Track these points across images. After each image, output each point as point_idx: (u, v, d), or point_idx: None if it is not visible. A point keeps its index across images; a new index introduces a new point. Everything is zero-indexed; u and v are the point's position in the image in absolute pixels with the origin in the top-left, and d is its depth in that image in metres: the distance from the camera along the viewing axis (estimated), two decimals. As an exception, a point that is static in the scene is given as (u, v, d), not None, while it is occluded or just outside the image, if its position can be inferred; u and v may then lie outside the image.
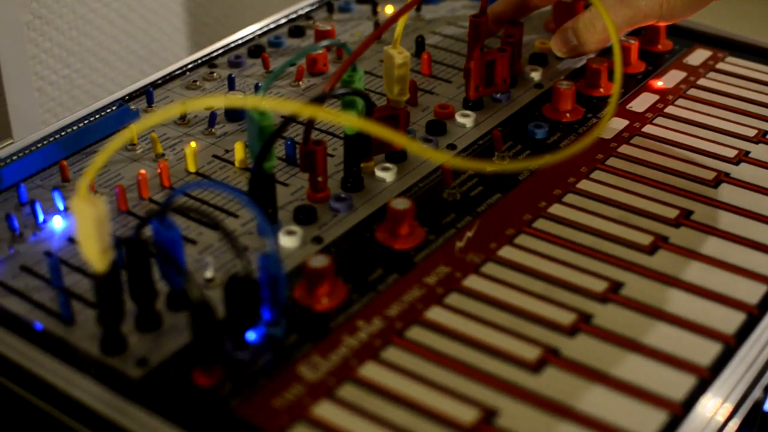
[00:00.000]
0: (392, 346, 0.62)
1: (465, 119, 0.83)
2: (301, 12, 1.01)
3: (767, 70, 0.92)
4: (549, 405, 0.58)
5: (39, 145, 0.77)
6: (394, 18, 0.73)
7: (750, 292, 0.66)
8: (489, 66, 0.83)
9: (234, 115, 0.83)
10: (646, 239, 0.70)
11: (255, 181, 0.68)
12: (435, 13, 1.01)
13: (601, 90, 0.87)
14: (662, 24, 0.91)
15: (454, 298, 0.65)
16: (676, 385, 0.60)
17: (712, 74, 0.91)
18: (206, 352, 0.59)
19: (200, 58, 0.92)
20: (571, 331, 0.63)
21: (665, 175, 0.77)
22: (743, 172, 0.78)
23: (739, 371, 0.61)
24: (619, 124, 0.83)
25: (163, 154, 0.79)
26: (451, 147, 0.80)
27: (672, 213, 0.73)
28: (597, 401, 0.58)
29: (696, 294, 0.66)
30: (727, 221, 0.73)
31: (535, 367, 0.60)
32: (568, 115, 0.84)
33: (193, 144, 0.78)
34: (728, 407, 0.59)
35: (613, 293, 0.66)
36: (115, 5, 1.29)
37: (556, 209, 0.73)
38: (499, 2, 0.91)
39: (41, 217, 0.72)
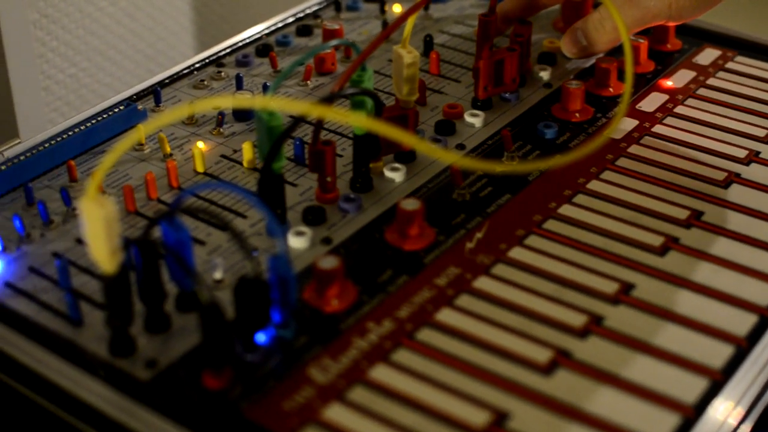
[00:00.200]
0: (402, 348, 0.61)
1: (474, 119, 0.82)
2: (308, 11, 1.00)
3: (777, 70, 0.91)
4: (560, 407, 0.58)
5: (46, 144, 0.77)
6: (404, 17, 0.72)
7: (762, 294, 0.66)
8: (498, 65, 0.83)
9: (242, 114, 0.83)
10: (656, 240, 0.70)
11: (264, 182, 0.68)
12: (443, 11, 1.01)
13: (611, 89, 0.87)
14: (671, 24, 0.91)
15: (464, 300, 0.65)
16: (688, 387, 0.59)
17: (721, 74, 0.90)
18: (216, 354, 0.58)
19: (208, 58, 0.92)
20: (582, 333, 0.63)
21: (675, 176, 0.77)
22: (754, 172, 0.77)
23: (751, 374, 0.61)
24: (629, 124, 0.82)
25: (171, 154, 0.79)
26: (460, 147, 0.80)
27: (683, 214, 0.73)
28: (609, 404, 0.58)
29: (707, 295, 0.66)
30: (738, 222, 0.72)
31: (547, 370, 0.60)
32: (577, 114, 0.83)
33: (201, 144, 0.78)
34: (740, 411, 0.59)
35: (624, 295, 0.65)
36: (122, 4, 1.29)
37: (566, 210, 0.73)
38: (507, 1, 0.90)
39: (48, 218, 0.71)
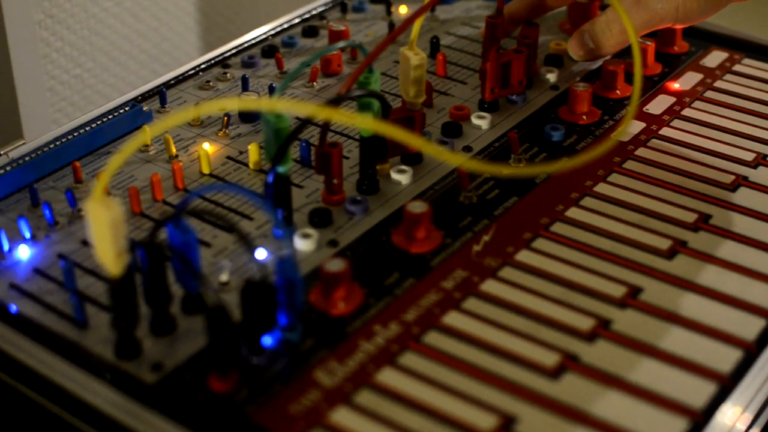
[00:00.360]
0: (409, 351, 0.61)
1: (481, 121, 0.82)
2: (314, 12, 1.00)
3: (785, 73, 0.91)
4: (568, 411, 0.57)
5: (51, 145, 0.77)
6: (411, 19, 0.72)
7: (770, 298, 0.66)
8: (505, 67, 0.83)
9: (248, 116, 0.83)
10: (664, 243, 0.70)
11: (270, 184, 0.68)
12: (449, 13, 1.01)
13: (618, 92, 0.86)
14: (678, 27, 0.90)
15: (471, 303, 0.65)
16: (696, 392, 0.59)
17: (728, 76, 0.90)
18: (222, 357, 0.58)
19: (213, 59, 0.92)
20: (589, 337, 0.62)
21: (683, 179, 0.76)
22: (762, 175, 0.77)
23: (759, 378, 0.60)
24: (636, 126, 0.82)
25: (176, 156, 0.78)
26: (467, 149, 0.80)
27: (690, 217, 0.72)
28: (616, 408, 0.58)
29: (715, 299, 0.66)
30: (747, 225, 0.72)
31: (554, 373, 0.60)
32: (584, 117, 0.83)
33: (206, 145, 0.78)
34: (748, 416, 0.59)
35: (631, 298, 0.65)
36: (127, 4, 1.28)
37: (573, 213, 0.72)
38: (513, 2, 0.90)
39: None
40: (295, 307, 0.60)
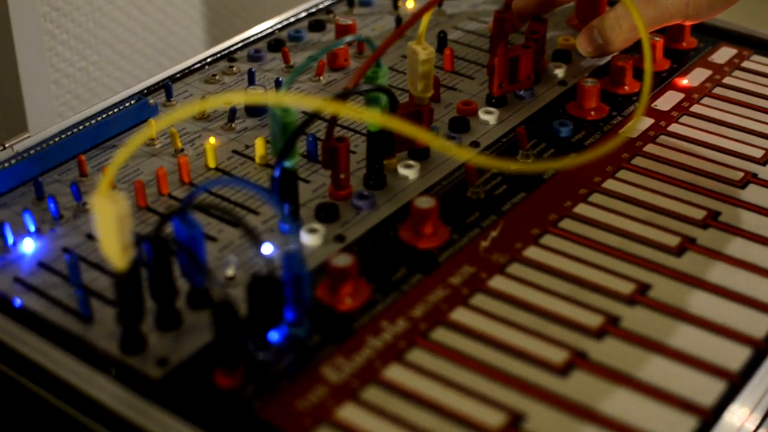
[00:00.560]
0: (417, 347, 0.61)
1: (488, 116, 0.82)
2: (321, 6, 1.00)
3: (794, 69, 0.90)
4: (577, 409, 0.57)
5: (56, 139, 0.76)
6: (419, 14, 0.71)
7: (780, 296, 0.65)
8: (513, 63, 0.82)
9: (254, 110, 0.82)
10: (673, 240, 0.69)
11: (277, 178, 0.67)
12: (457, 8, 1.00)
13: (626, 88, 0.86)
14: (688, 23, 0.90)
15: (479, 299, 0.64)
16: (705, 390, 0.59)
17: (737, 72, 0.90)
18: (228, 353, 0.58)
19: (219, 52, 0.91)
20: (598, 334, 0.62)
21: (692, 175, 0.76)
22: (771, 172, 0.77)
23: (768, 378, 0.60)
24: (645, 123, 0.82)
25: (182, 150, 0.78)
26: (475, 144, 0.79)
27: (699, 214, 0.72)
28: (625, 405, 0.57)
29: (724, 297, 0.65)
30: (756, 222, 0.72)
31: (563, 370, 0.59)
32: (592, 113, 0.83)
33: (212, 139, 0.77)
34: (757, 415, 0.58)
35: (640, 295, 0.65)
36: (132, -3, 1.28)
37: (581, 209, 0.72)
38: (522, -3, 0.90)
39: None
40: (301, 302, 0.60)
